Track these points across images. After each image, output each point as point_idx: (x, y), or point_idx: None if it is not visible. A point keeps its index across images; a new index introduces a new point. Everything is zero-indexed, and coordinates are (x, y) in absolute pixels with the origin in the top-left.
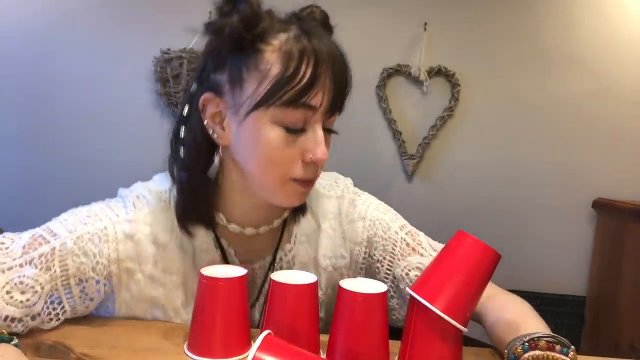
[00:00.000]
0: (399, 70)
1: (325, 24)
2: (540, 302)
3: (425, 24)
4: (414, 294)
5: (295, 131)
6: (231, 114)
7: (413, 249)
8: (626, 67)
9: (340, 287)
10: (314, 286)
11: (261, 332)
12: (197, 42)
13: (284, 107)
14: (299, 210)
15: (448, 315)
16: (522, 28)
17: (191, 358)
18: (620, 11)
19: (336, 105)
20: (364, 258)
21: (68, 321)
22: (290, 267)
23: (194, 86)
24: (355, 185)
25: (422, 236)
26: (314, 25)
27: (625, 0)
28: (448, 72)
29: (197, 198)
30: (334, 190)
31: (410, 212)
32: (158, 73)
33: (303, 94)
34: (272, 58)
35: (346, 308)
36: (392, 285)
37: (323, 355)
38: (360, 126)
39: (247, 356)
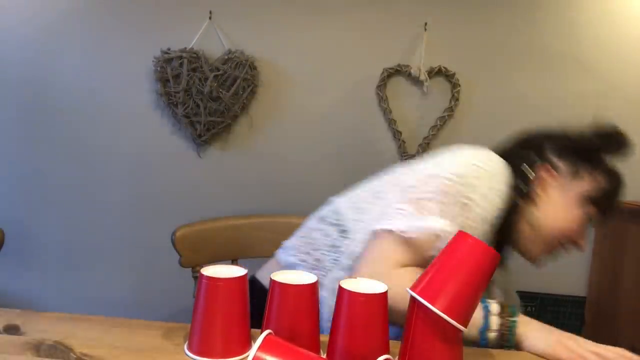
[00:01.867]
0: (399, 71)
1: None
2: (540, 302)
3: (426, 24)
4: (414, 294)
5: (586, 221)
6: (560, 189)
7: None
8: (627, 67)
9: (340, 287)
10: (313, 286)
11: (261, 332)
12: (197, 42)
13: (596, 208)
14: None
15: (448, 316)
16: (523, 28)
17: (191, 358)
18: (621, 11)
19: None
20: None
21: (68, 321)
22: None
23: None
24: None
25: None
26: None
27: (626, 0)
28: (448, 73)
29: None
30: None
31: None
32: (158, 73)
33: (608, 214)
34: (602, 182)
35: (346, 308)
36: None
37: (323, 355)
38: (361, 126)
39: (248, 356)
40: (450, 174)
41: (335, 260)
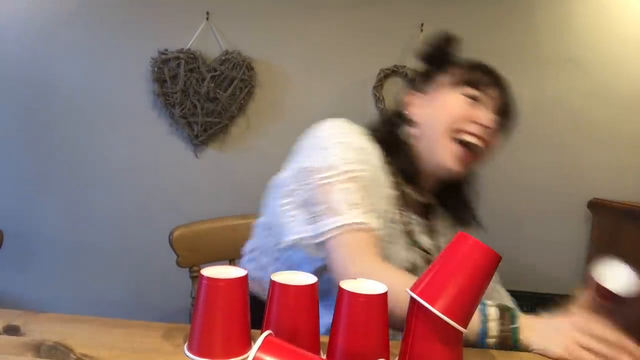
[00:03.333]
0: (395, 71)
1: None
2: (536, 301)
3: (422, 24)
4: (414, 295)
5: (472, 100)
6: (423, 99)
7: None
8: (622, 68)
9: (340, 288)
10: (313, 287)
11: (261, 333)
12: (194, 43)
13: (468, 87)
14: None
15: (449, 317)
16: (519, 29)
17: (191, 359)
18: (617, 13)
19: (504, 107)
20: None
21: (68, 322)
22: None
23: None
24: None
25: None
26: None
27: (621, 2)
28: None
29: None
30: None
31: None
32: (155, 73)
33: (482, 85)
34: (458, 70)
35: (346, 308)
36: None
37: (323, 356)
38: None
39: (248, 357)
40: (320, 165)
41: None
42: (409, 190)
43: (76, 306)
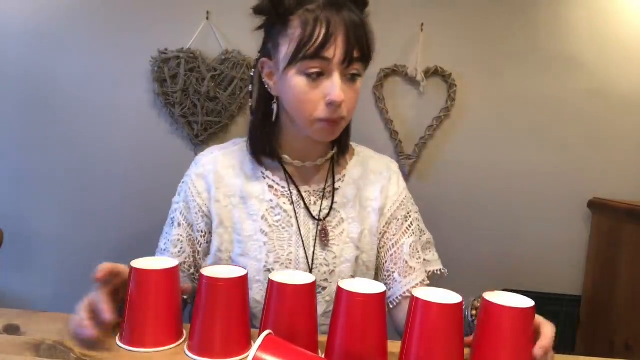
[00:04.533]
0: (395, 71)
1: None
2: (536, 301)
3: (422, 24)
4: (414, 295)
5: (315, 79)
6: (276, 71)
7: (410, 267)
8: (622, 67)
9: (339, 288)
10: (311, 286)
11: (260, 332)
12: (194, 42)
13: (306, 61)
14: (341, 153)
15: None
16: (518, 28)
17: (191, 358)
18: (617, 11)
19: (348, 56)
20: (386, 222)
21: (68, 321)
22: (335, 198)
23: (258, 55)
24: None
25: (420, 254)
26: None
27: (621, 0)
28: (444, 73)
29: (263, 136)
30: (384, 160)
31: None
32: (155, 73)
33: (318, 50)
34: (295, 26)
35: (345, 308)
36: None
37: (321, 355)
38: (357, 126)
39: (248, 356)
40: None
41: None
42: (299, 163)
43: (76, 305)
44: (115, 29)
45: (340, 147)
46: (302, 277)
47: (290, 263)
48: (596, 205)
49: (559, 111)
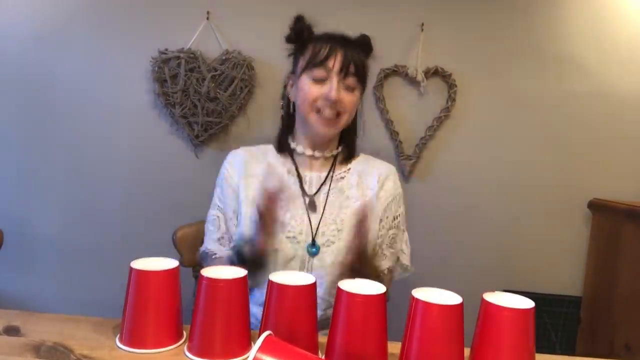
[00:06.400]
0: (396, 71)
1: (362, 44)
2: (536, 302)
3: (422, 24)
4: (414, 296)
5: (319, 81)
6: (294, 80)
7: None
8: (622, 67)
9: (339, 288)
10: (312, 287)
11: (260, 333)
12: (194, 42)
13: (313, 69)
14: (346, 151)
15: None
16: (519, 29)
17: (191, 359)
18: (616, 11)
19: (344, 68)
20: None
21: (68, 322)
22: (337, 187)
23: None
24: None
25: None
26: (341, 37)
27: (621, 1)
28: (445, 73)
29: (283, 128)
30: (386, 164)
31: (407, 212)
32: (155, 73)
33: (322, 61)
34: (309, 49)
35: (345, 309)
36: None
37: (321, 356)
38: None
39: (248, 357)
40: None
41: None
42: (309, 152)
43: (76, 306)
44: (116, 30)
45: (346, 145)
46: (302, 278)
47: (302, 222)
48: (596, 206)
49: (559, 112)
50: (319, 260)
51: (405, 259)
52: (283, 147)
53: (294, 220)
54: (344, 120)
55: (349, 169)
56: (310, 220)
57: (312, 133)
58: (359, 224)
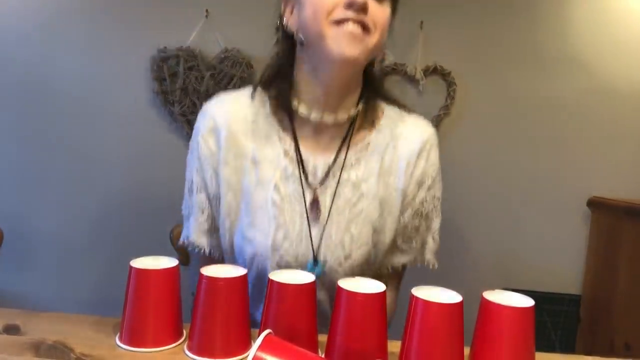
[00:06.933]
0: (395, 69)
1: None
2: (535, 300)
3: (422, 22)
4: (414, 294)
5: None
6: (295, 1)
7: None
8: (621, 66)
9: (339, 287)
10: (312, 286)
11: (260, 332)
12: (193, 41)
13: None
14: (369, 104)
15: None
16: (518, 27)
17: (191, 358)
18: (616, 11)
19: None
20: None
21: (68, 321)
22: (350, 178)
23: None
24: None
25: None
26: None
27: (622, 1)
28: (444, 71)
29: (277, 77)
30: (418, 126)
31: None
32: (155, 71)
33: None
34: None
35: (345, 307)
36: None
37: (322, 355)
38: None
39: (248, 356)
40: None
41: None
42: (316, 115)
43: (76, 306)
44: (114, 28)
45: (367, 100)
46: (302, 277)
47: (301, 242)
48: (595, 204)
49: (559, 110)
50: (321, 281)
51: (429, 253)
52: (281, 105)
53: (287, 241)
54: (375, 39)
55: (368, 144)
56: (310, 234)
57: (329, 67)
58: (377, 234)
